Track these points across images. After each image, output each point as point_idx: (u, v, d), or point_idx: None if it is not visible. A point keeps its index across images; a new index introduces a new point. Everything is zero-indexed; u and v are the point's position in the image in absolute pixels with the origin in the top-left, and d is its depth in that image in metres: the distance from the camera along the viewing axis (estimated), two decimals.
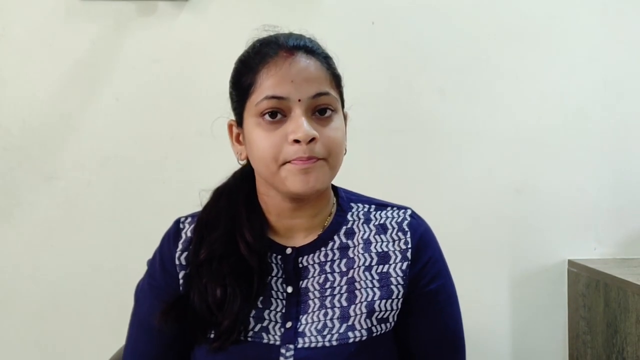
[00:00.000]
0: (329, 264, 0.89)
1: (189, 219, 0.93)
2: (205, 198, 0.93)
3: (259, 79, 0.83)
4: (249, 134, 0.85)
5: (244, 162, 0.91)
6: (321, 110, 0.83)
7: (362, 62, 1.54)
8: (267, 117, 0.82)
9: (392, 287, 0.88)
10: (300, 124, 0.80)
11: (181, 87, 1.56)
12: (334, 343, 0.84)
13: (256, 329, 0.86)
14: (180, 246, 0.91)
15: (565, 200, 1.58)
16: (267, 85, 0.82)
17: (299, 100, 0.81)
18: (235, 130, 0.90)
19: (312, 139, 0.81)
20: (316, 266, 0.89)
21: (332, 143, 0.83)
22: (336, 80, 0.87)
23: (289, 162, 0.81)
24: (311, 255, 0.90)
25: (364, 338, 0.85)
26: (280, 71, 0.82)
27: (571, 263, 1.57)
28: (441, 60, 1.58)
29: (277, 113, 0.82)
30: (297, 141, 0.80)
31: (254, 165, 0.88)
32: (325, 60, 0.86)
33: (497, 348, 1.60)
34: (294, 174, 0.82)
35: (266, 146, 0.82)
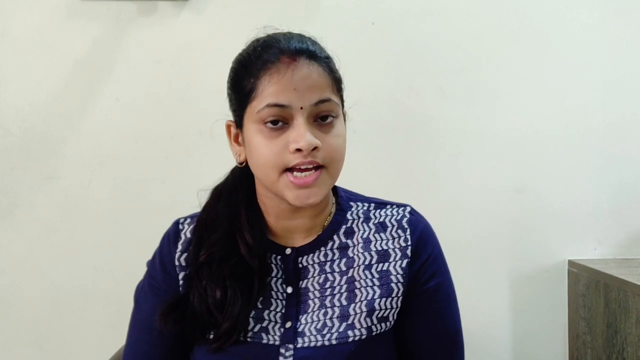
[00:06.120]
0: (328, 263, 0.89)
1: (188, 220, 0.93)
2: (204, 198, 0.93)
3: (260, 85, 0.81)
4: (249, 139, 0.84)
5: (242, 164, 0.89)
6: (323, 117, 0.83)
7: (362, 62, 1.54)
8: (268, 124, 0.81)
9: (392, 285, 0.87)
10: (302, 133, 0.79)
11: (181, 87, 1.56)
12: (334, 342, 0.84)
13: (256, 330, 0.86)
14: (179, 247, 0.91)
15: (566, 201, 1.58)
16: (269, 92, 0.80)
17: (301, 108, 0.80)
18: (233, 130, 0.89)
19: (314, 148, 0.80)
20: (316, 266, 0.89)
21: (334, 151, 0.83)
22: (337, 84, 0.86)
23: (290, 169, 0.81)
24: (311, 255, 0.90)
25: (363, 337, 0.85)
26: (283, 78, 0.80)
27: (571, 263, 1.57)
28: (441, 60, 1.58)
29: (279, 120, 0.81)
30: (299, 150, 0.80)
31: (254, 171, 0.87)
32: (327, 64, 0.85)
33: (497, 348, 1.60)
34: (292, 189, 0.81)
35: (267, 154, 0.81)
